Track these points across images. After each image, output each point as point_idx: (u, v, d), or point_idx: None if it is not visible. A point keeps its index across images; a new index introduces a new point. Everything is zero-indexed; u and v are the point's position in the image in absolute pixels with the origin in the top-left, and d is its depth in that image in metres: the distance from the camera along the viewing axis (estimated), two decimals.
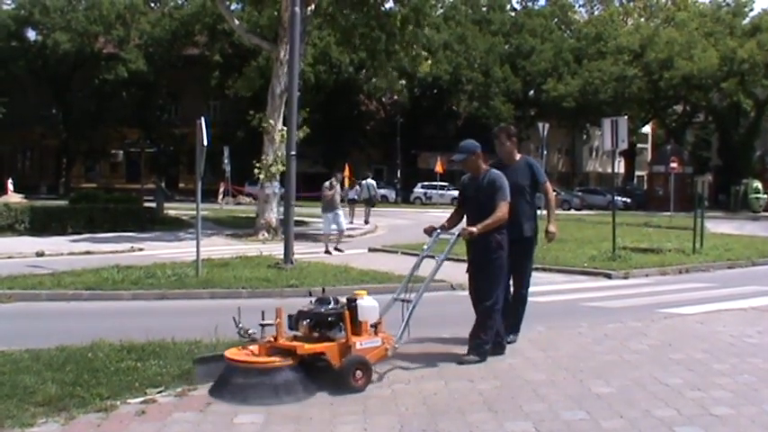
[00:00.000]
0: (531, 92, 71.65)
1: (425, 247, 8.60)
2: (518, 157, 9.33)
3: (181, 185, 65.79)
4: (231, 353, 7.08)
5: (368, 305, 7.54)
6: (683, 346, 9.13)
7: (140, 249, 22.93)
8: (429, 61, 59.87)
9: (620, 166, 72.42)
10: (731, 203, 58.91)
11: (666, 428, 6.00)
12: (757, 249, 22.46)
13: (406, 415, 6.37)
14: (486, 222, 8.18)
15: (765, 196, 58.93)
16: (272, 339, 7.09)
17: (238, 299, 12.97)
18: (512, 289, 9.32)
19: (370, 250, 23.06)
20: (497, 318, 8.51)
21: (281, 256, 17.14)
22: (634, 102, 64.05)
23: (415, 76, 65.36)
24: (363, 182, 38.82)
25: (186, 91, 67.49)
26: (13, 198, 41.20)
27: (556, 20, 75.37)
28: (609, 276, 16.92)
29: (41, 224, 27.48)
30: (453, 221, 8.92)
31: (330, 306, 7.39)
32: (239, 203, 51.95)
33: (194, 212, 17.43)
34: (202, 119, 15.59)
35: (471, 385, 7.30)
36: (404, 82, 62.71)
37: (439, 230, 8.73)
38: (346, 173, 55.49)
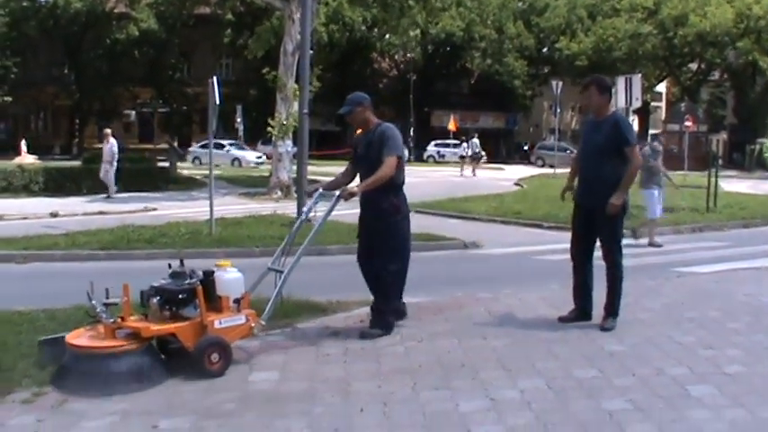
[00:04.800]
0: (545, 49, 71.19)
1: (305, 209, 7.85)
2: (609, 113, 8.15)
3: (194, 145, 65.79)
4: (72, 336, 6.28)
5: (228, 278, 6.78)
6: (697, 305, 9.13)
7: (154, 209, 22.99)
8: (447, 12, 59.40)
9: (634, 125, 72.07)
10: (746, 162, 58.54)
11: (679, 387, 6.02)
12: None
13: (420, 372, 6.40)
14: (370, 181, 7.49)
15: None
16: (120, 320, 6.33)
17: (252, 257, 13.01)
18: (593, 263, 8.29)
19: None
20: (400, 288, 7.95)
21: (295, 215, 17.17)
22: (648, 59, 63.45)
23: (427, 33, 64.98)
24: (470, 141, 46.50)
25: (198, 50, 67.24)
26: (27, 159, 41.28)
27: None
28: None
29: (55, 185, 27.59)
30: (341, 181, 8.10)
31: (184, 281, 6.59)
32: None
33: (207, 172, 17.47)
34: (215, 78, 15.57)
35: (484, 343, 7.32)
36: (418, 33, 62.22)
37: (320, 190, 7.92)
38: (359, 131, 55.31)
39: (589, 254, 8.23)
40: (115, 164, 26.97)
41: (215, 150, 43.33)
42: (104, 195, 26.29)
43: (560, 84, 42.77)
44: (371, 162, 7.59)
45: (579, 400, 5.71)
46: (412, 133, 65.28)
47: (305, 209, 7.77)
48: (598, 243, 8.15)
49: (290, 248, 7.39)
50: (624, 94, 19.48)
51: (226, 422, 5.36)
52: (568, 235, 8.58)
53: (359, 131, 8.10)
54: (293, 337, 7.63)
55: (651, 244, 15.58)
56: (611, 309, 8.03)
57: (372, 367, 6.60)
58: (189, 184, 32.71)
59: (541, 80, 68.54)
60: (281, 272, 7.19)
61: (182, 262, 6.85)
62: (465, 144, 47.85)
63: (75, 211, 21.85)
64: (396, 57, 71.80)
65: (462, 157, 47.35)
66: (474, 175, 43.63)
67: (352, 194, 7.44)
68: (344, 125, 65.95)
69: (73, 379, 6.04)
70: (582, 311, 8.21)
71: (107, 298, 6.45)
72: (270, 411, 5.55)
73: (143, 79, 65.84)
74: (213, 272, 6.77)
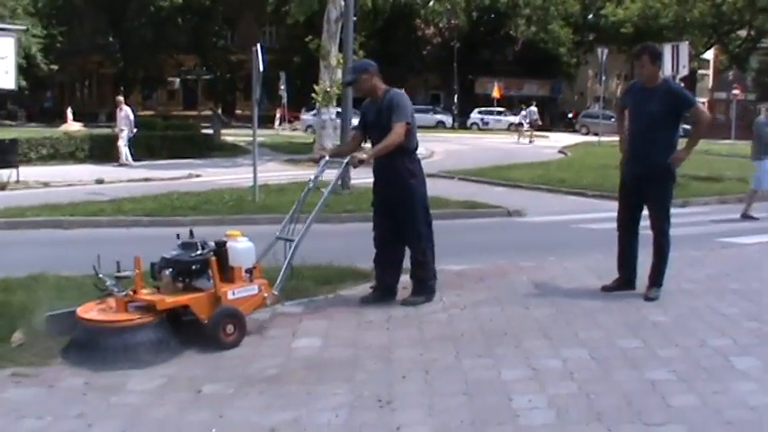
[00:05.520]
0: (591, 16, 70.51)
1: (312, 177, 7.67)
2: (660, 80, 8.00)
3: (237, 112, 66.03)
4: (84, 310, 6.12)
5: (241, 248, 6.65)
6: (742, 276, 9.05)
7: (198, 176, 23.14)
8: None
9: None
10: None
11: (722, 358, 5.97)
12: None
13: (463, 340, 6.41)
14: (378, 147, 7.43)
15: None
16: (132, 293, 6.16)
17: (297, 223, 13.02)
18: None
19: (427, 176, 22.96)
20: (433, 251, 7.81)
21: (339, 183, 17.13)
22: (696, 27, 62.52)
23: (472, 0, 64.55)
24: (528, 109, 47.67)
25: (242, 17, 67.37)
26: (73, 126, 41.76)
27: None
28: None
29: (101, 152, 27.78)
30: (348, 148, 8.14)
31: (196, 251, 6.42)
32: (296, 129, 52.03)
33: (251, 138, 17.53)
34: (258, 45, 15.63)
35: (527, 312, 7.31)
36: None
37: (327, 158, 7.87)
38: None
39: (636, 223, 8.16)
40: (128, 132, 26.93)
41: (336, 119, 43.62)
42: (131, 161, 26.40)
43: (606, 51, 42.33)
44: (382, 129, 7.46)
45: (622, 371, 5.68)
46: (456, 100, 65.07)
47: (312, 177, 7.66)
48: (644, 212, 8.09)
49: (299, 216, 7.36)
50: (671, 63, 19.26)
51: (268, 388, 5.41)
52: (613, 203, 8.53)
53: (368, 99, 7.91)
54: (336, 304, 7.67)
55: (745, 215, 15.09)
56: (656, 278, 7.96)
57: (415, 334, 6.62)
58: (233, 151, 32.89)
59: (586, 47, 67.95)
60: (291, 240, 7.11)
61: (191, 232, 6.70)
62: (523, 112, 48.78)
63: (120, 177, 22.05)
64: (440, 24, 71.43)
65: (519, 125, 48.49)
66: (531, 141, 44.60)
67: (360, 161, 7.38)
68: None
69: (84, 353, 5.89)
70: (626, 281, 8.15)
71: (118, 271, 6.30)
72: (312, 378, 5.59)
73: (187, 47, 66.15)
74: (225, 242, 6.63)
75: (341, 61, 23.15)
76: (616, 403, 5.04)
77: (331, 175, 7.80)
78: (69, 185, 20.28)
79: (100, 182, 21.05)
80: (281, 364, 5.90)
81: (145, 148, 28.67)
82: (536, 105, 49.14)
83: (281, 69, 45.68)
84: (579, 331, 6.65)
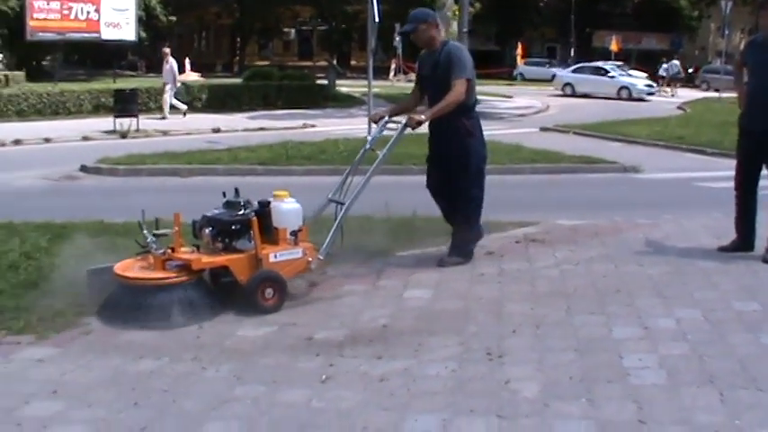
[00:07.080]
0: None
1: (369, 138, 7.36)
2: None
3: (352, 63, 66.22)
4: (121, 267, 5.98)
5: (286, 209, 6.39)
6: None
7: (313, 126, 23.37)
8: None
9: None
10: None
11: None
12: None
13: (575, 296, 6.35)
14: (438, 107, 7.03)
15: None
16: (171, 251, 6.03)
17: (409, 174, 13.07)
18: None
19: (542, 129, 22.79)
20: (480, 213, 7.50)
21: None
22: None
23: None
24: (671, 62, 50.80)
25: None
26: (191, 77, 42.61)
27: None
28: None
29: (218, 101, 28.32)
30: (407, 105, 7.86)
31: (237, 211, 6.23)
32: (410, 80, 51.88)
33: (366, 89, 17.59)
34: None
35: (641, 269, 7.19)
36: None
37: (386, 118, 7.52)
38: (519, 51, 55.57)
39: (755, 182, 7.87)
40: (174, 85, 26.54)
41: (596, 77, 45.27)
42: (160, 116, 25.76)
43: (730, 3, 40.88)
44: (438, 83, 7.17)
45: (737, 334, 5.54)
46: (572, 53, 64.01)
47: (370, 138, 7.40)
48: (764, 172, 7.83)
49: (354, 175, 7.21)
50: None
51: (378, 337, 5.47)
52: (732, 162, 8.28)
53: (424, 50, 7.66)
54: None
55: None
56: None
57: (526, 289, 6.58)
58: (347, 102, 33.08)
59: (709, 0, 65.90)
60: (343, 203, 6.86)
61: (237, 191, 6.45)
62: (665, 65, 51.21)
63: (236, 127, 22.41)
64: None
65: (662, 77, 50.50)
66: (673, 95, 45.57)
67: (419, 123, 7.08)
68: (504, 44, 64.94)
69: (120, 310, 5.79)
70: (744, 242, 7.89)
71: (157, 228, 6.21)
72: (422, 329, 5.61)
73: None
74: (269, 202, 6.41)
75: (456, 13, 23.03)
76: (730, 367, 4.93)
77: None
78: (187, 134, 20.74)
79: (216, 131, 21.45)
80: (391, 315, 5.94)
81: (261, 98, 29.08)
82: (678, 59, 51.13)
83: (397, 20, 45.56)
84: (694, 291, 6.51)
